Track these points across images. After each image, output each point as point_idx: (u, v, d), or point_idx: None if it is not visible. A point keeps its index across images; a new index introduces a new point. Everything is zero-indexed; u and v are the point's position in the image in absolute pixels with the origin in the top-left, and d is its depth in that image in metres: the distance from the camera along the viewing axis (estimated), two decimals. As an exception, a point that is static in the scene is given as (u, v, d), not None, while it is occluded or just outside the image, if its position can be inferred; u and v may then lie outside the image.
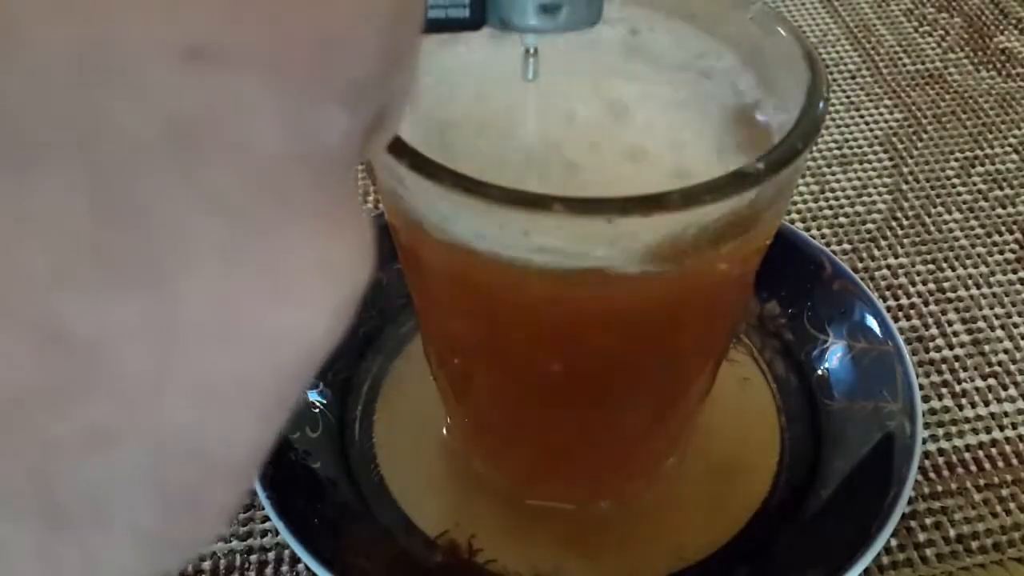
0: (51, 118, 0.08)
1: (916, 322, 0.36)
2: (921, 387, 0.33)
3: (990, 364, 0.35)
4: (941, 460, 0.32)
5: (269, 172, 0.09)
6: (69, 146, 0.08)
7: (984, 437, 0.32)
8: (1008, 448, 0.32)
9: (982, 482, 0.31)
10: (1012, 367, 0.35)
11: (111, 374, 0.09)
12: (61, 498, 0.09)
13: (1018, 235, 0.40)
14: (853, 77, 0.48)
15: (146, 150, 0.08)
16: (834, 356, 0.32)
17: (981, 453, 0.32)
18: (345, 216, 0.10)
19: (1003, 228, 0.40)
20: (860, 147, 0.44)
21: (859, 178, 0.43)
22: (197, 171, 0.08)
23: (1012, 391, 0.34)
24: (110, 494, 0.09)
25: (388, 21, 0.09)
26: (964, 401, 0.33)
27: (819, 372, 0.32)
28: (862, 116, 0.46)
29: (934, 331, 0.36)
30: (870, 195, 0.42)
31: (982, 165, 0.43)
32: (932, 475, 0.31)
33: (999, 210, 0.41)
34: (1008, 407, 0.33)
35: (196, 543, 0.10)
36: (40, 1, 0.07)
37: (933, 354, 0.35)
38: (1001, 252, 0.39)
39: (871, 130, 0.45)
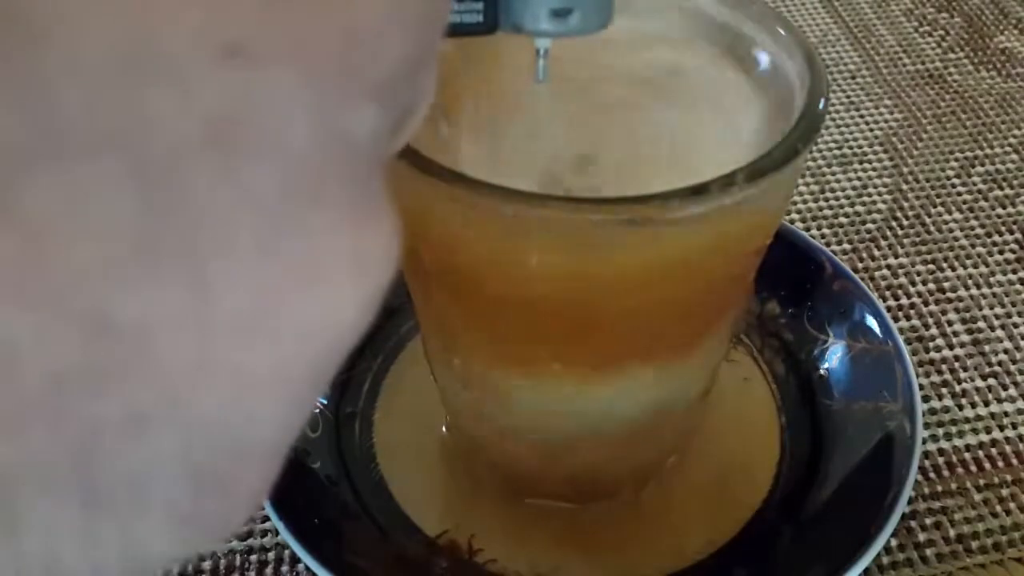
0: (96, 115, 0.08)
1: (916, 322, 0.36)
2: (921, 387, 0.33)
3: (990, 364, 0.35)
4: (941, 460, 0.32)
5: (303, 167, 0.09)
6: (114, 141, 0.08)
7: (984, 437, 0.32)
8: (1008, 448, 0.32)
9: (982, 482, 0.31)
10: (1012, 367, 0.35)
11: (150, 360, 0.09)
12: (101, 479, 0.09)
13: (1018, 235, 0.40)
14: (853, 77, 0.48)
15: (187, 146, 0.08)
16: (834, 356, 0.32)
17: (981, 453, 0.32)
18: (374, 210, 0.10)
19: (1003, 228, 0.40)
20: (860, 147, 0.44)
21: (859, 178, 0.43)
22: (235, 166, 0.09)
23: (1012, 391, 0.34)
24: (147, 476, 0.09)
25: (417, 19, 0.10)
26: (964, 401, 0.33)
27: (819, 372, 0.32)
28: (862, 116, 0.46)
29: (934, 331, 0.36)
30: (870, 195, 0.42)
31: (982, 165, 0.43)
32: (932, 475, 0.31)
33: (999, 210, 0.41)
34: (1008, 407, 0.33)
35: (228, 527, 0.11)
36: (81, 0, 0.08)
37: (933, 354, 0.35)
38: (1001, 252, 0.39)
39: (871, 130, 0.45)
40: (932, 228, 0.40)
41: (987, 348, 0.35)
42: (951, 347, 0.35)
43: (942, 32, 0.51)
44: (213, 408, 0.09)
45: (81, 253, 0.08)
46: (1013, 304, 0.37)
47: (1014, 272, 0.38)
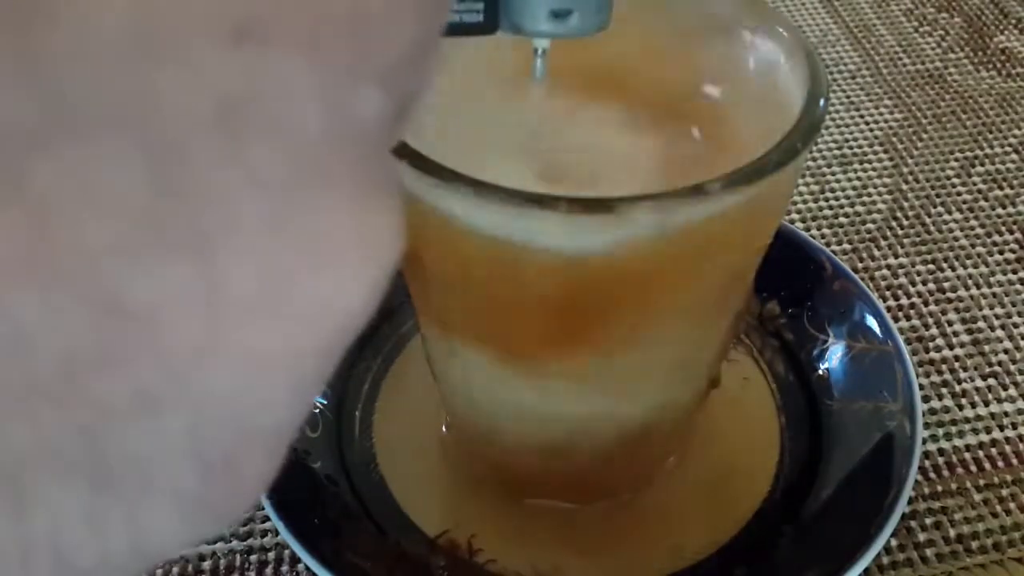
0: (107, 93, 0.08)
1: (916, 322, 0.36)
2: (921, 387, 0.33)
3: (990, 364, 0.35)
4: (941, 460, 0.32)
5: (310, 149, 0.09)
6: (124, 120, 0.08)
7: (984, 437, 0.32)
8: (1008, 448, 0.32)
9: (982, 482, 0.31)
10: (1012, 367, 0.35)
11: (159, 340, 0.09)
12: (108, 461, 0.09)
13: (1018, 235, 0.40)
14: (853, 77, 0.48)
15: (197, 126, 0.08)
16: (834, 356, 0.32)
17: (981, 453, 0.32)
18: (380, 192, 0.10)
19: (1003, 228, 0.40)
20: (860, 147, 0.44)
21: (859, 178, 0.43)
22: (244, 147, 0.09)
23: (1012, 391, 0.34)
24: (154, 458, 0.09)
25: (422, 5, 0.10)
26: (964, 401, 0.33)
27: (819, 372, 0.32)
28: (862, 116, 0.46)
29: (934, 331, 0.36)
30: (870, 195, 0.42)
31: (982, 165, 0.43)
32: (932, 475, 0.31)
33: (999, 210, 0.41)
34: (1008, 407, 0.33)
35: (235, 510, 0.11)
36: None
37: (933, 354, 0.35)
38: (1001, 252, 0.39)
39: (871, 130, 0.45)
40: (932, 228, 0.40)
41: (987, 348, 0.35)
42: (951, 347, 0.35)
43: (942, 32, 0.51)
44: (221, 389, 0.09)
45: (90, 233, 0.08)
46: (1013, 304, 0.37)
47: (1014, 272, 0.38)
